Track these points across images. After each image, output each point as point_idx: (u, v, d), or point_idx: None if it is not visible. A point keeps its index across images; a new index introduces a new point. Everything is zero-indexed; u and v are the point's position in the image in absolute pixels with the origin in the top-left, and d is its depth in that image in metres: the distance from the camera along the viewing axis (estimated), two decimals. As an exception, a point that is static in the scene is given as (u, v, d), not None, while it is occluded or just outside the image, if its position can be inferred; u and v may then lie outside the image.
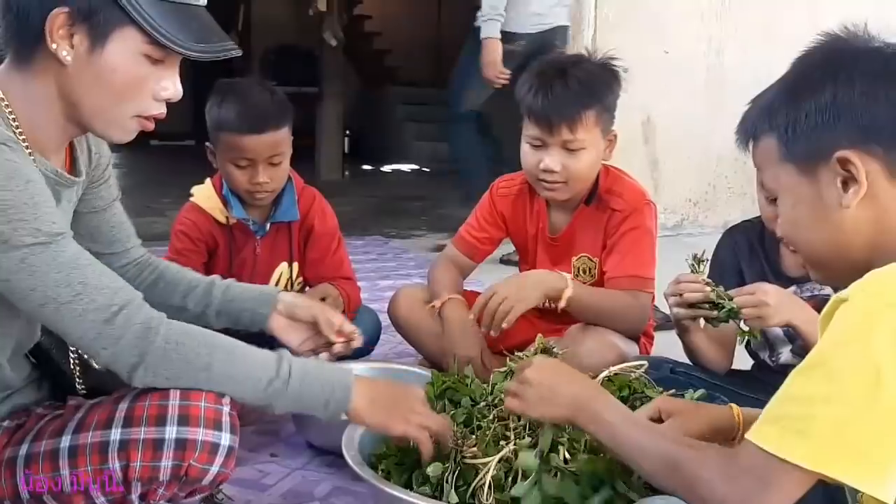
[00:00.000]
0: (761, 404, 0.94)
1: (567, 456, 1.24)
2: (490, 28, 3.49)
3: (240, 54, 1.23)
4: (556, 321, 2.06)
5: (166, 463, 1.10)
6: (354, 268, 2.32)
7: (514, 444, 1.27)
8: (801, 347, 1.64)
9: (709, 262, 1.70)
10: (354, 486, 1.64)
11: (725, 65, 4.75)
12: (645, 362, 1.56)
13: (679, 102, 4.65)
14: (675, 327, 1.74)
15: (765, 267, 1.78)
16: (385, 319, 2.27)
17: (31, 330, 1.28)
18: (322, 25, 6.81)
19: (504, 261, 3.43)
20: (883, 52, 0.95)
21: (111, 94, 1.16)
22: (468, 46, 3.77)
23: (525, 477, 1.22)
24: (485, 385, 1.54)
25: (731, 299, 1.55)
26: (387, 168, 8.74)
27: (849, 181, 0.93)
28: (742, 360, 1.89)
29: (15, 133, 1.13)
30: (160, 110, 1.21)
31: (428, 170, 8.34)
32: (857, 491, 0.84)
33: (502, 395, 1.37)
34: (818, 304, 1.41)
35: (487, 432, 1.33)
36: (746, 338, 1.66)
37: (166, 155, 8.85)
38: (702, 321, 1.61)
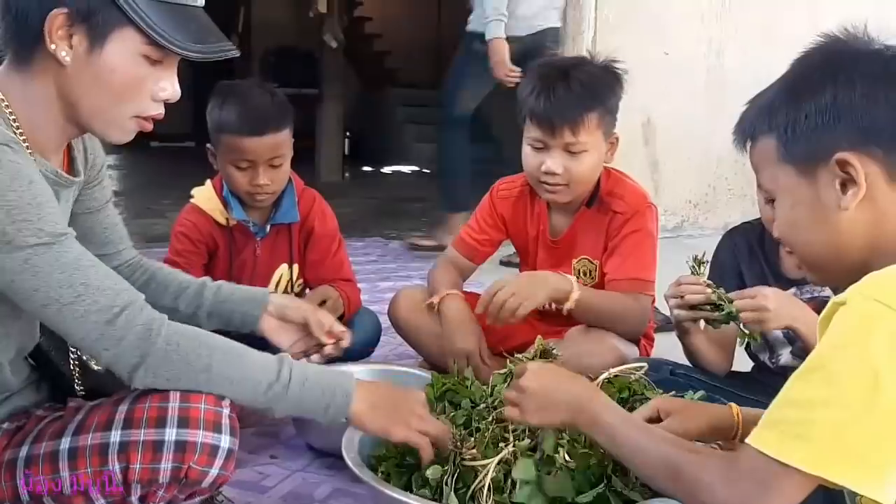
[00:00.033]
0: (761, 406, 0.94)
1: (567, 458, 1.24)
2: (495, 28, 3.52)
3: (238, 55, 1.24)
4: (556, 323, 2.06)
5: (166, 465, 1.10)
6: (354, 269, 2.32)
7: (514, 446, 1.27)
8: (801, 349, 1.64)
9: (709, 263, 1.70)
10: (354, 489, 1.64)
11: (725, 66, 4.75)
12: (645, 364, 1.56)
13: (679, 104, 4.65)
14: (675, 329, 1.74)
15: (764, 269, 1.78)
16: (385, 321, 2.27)
17: (31, 331, 1.28)
18: (322, 27, 6.82)
19: (504, 263, 3.43)
20: (883, 55, 0.95)
21: (110, 95, 1.16)
22: (461, 49, 3.82)
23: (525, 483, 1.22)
24: (484, 387, 1.54)
25: (731, 302, 1.55)
26: (387, 170, 8.74)
27: (848, 183, 0.93)
28: (742, 362, 1.89)
29: (15, 134, 1.14)
30: (158, 111, 1.22)
31: (428, 171, 8.33)
32: (856, 494, 0.84)
33: (502, 398, 1.37)
34: (818, 305, 1.41)
35: (487, 434, 1.33)
36: (746, 340, 1.66)
37: (167, 156, 8.86)
38: (702, 323, 1.61)
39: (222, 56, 1.20)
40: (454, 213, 3.96)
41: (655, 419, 1.32)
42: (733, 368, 1.85)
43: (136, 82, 1.17)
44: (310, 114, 6.94)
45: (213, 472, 1.13)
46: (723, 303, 1.56)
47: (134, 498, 1.13)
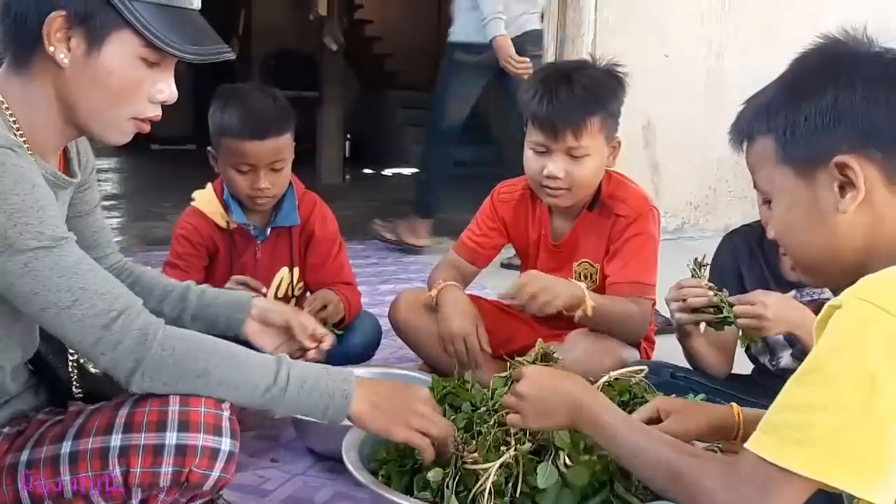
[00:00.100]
0: (761, 408, 0.94)
1: (567, 461, 1.24)
2: (495, 27, 3.58)
3: (233, 57, 1.25)
4: (557, 326, 2.06)
5: (167, 469, 1.10)
6: (355, 272, 2.32)
7: (515, 450, 1.27)
8: (801, 352, 1.64)
9: (709, 266, 1.70)
10: (355, 492, 1.64)
11: (725, 68, 4.75)
12: (645, 367, 1.56)
13: (679, 106, 4.65)
14: (676, 332, 1.74)
15: (764, 271, 1.78)
16: (385, 324, 2.27)
17: (31, 335, 1.28)
18: (322, 30, 6.82)
19: (505, 265, 3.43)
20: (883, 57, 0.95)
21: (108, 97, 1.17)
22: (445, 60, 3.90)
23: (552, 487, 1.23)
24: (485, 390, 1.54)
25: (732, 306, 1.55)
26: (387, 172, 8.73)
27: (846, 186, 0.93)
28: (742, 365, 1.88)
29: (16, 136, 1.14)
30: (156, 112, 1.23)
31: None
32: (853, 496, 0.84)
33: (502, 401, 1.37)
34: (818, 308, 1.41)
35: (488, 438, 1.33)
36: (747, 342, 1.66)
37: (167, 159, 8.87)
38: (703, 325, 1.61)
39: (219, 58, 1.21)
40: (423, 219, 4.10)
41: (655, 420, 1.32)
42: (733, 371, 1.85)
43: (134, 84, 1.18)
44: (310, 117, 6.94)
45: (214, 475, 1.13)
46: (724, 306, 1.56)
47: (135, 501, 1.13)
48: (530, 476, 1.25)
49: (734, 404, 1.32)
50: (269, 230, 2.13)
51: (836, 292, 0.90)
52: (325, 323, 2.05)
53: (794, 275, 1.72)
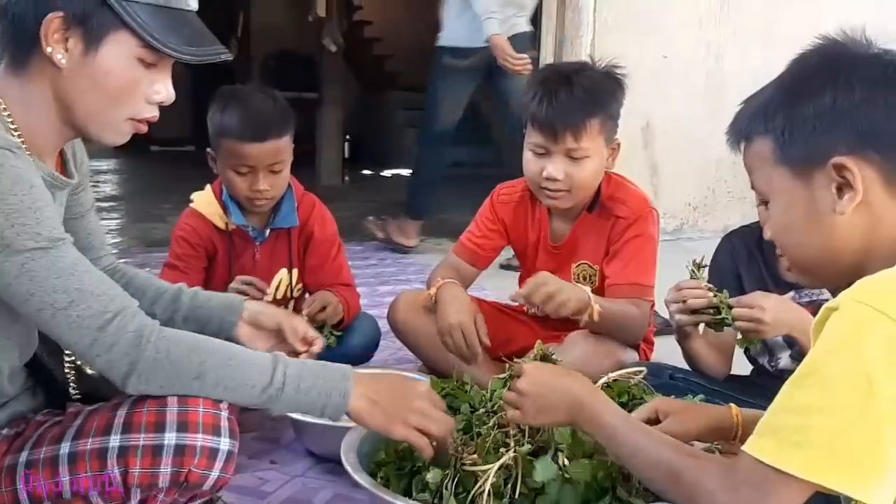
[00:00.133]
0: (760, 409, 0.94)
1: (566, 462, 1.24)
2: (489, 27, 3.63)
3: (231, 58, 1.25)
4: (555, 328, 2.06)
5: (165, 469, 1.10)
6: (354, 273, 2.32)
7: (514, 451, 1.27)
8: (800, 353, 1.64)
9: (708, 267, 1.70)
10: (354, 494, 1.64)
11: (725, 69, 4.75)
12: (644, 368, 1.56)
13: (678, 107, 4.65)
14: (675, 333, 1.74)
15: (763, 272, 1.78)
16: (384, 325, 2.27)
17: (29, 336, 1.28)
18: (322, 31, 6.81)
19: (504, 266, 3.43)
20: (882, 59, 0.95)
21: (105, 97, 1.18)
22: (434, 65, 3.97)
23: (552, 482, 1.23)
24: (484, 391, 1.54)
25: (731, 308, 1.55)
26: (387, 173, 8.73)
27: (844, 187, 0.93)
28: (741, 366, 1.88)
29: (14, 137, 1.15)
30: (153, 113, 1.23)
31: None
32: (850, 498, 0.84)
33: (501, 402, 1.37)
34: (816, 309, 1.41)
35: (487, 439, 1.33)
36: (746, 344, 1.66)
37: (167, 161, 8.86)
38: (702, 326, 1.61)
39: (216, 59, 1.21)
40: (413, 220, 4.18)
41: (654, 420, 1.32)
42: (732, 372, 1.85)
43: (131, 85, 1.18)
44: (310, 118, 6.94)
45: (214, 474, 1.13)
46: (723, 307, 1.56)
47: (134, 502, 1.13)
48: (529, 477, 1.25)
49: (733, 405, 1.32)
50: (267, 231, 2.13)
51: (834, 293, 0.90)
52: (323, 324, 2.06)
53: (791, 276, 1.72)
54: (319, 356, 1.54)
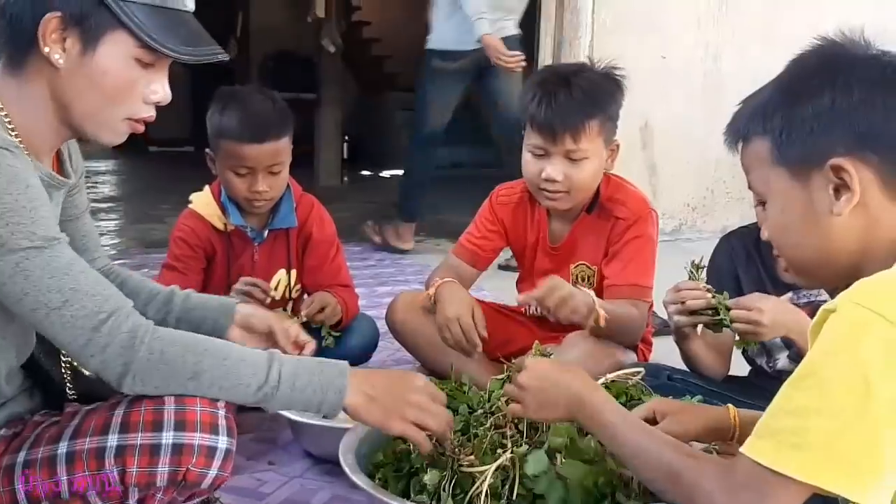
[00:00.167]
0: (758, 410, 0.94)
1: (562, 461, 1.24)
2: (480, 27, 3.68)
3: (227, 58, 1.26)
4: (554, 329, 2.05)
5: (163, 468, 1.11)
6: (353, 274, 2.32)
7: (511, 452, 1.27)
8: (798, 354, 1.64)
9: (706, 268, 1.70)
10: (352, 495, 1.63)
11: (723, 70, 4.75)
12: (642, 369, 1.56)
13: (677, 108, 4.66)
14: (673, 334, 1.74)
15: (761, 273, 1.78)
16: (383, 326, 2.27)
17: (26, 336, 1.28)
18: (320, 32, 6.81)
19: (503, 267, 3.43)
20: (880, 60, 0.95)
21: (102, 97, 1.18)
22: (423, 67, 4.01)
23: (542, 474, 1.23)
24: (482, 392, 1.54)
25: (729, 310, 1.56)
26: (386, 174, 8.73)
27: (841, 189, 0.93)
28: (739, 366, 1.89)
29: (12, 137, 1.15)
30: (150, 113, 1.24)
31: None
32: (848, 500, 0.84)
33: (499, 403, 1.37)
34: (814, 310, 1.41)
35: (484, 440, 1.33)
36: (744, 345, 1.66)
37: (165, 161, 8.86)
38: (700, 327, 1.61)
39: (212, 59, 1.22)
40: (407, 223, 4.23)
41: (651, 421, 1.32)
42: (730, 372, 1.85)
43: (128, 85, 1.19)
44: (308, 118, 6.93)
45: (212, 473, 1.13)
46: (721, 308, 1.56)
47: (132, 501, 1.13)
48: (527, 479, 1.25)
49: (730, 406, 1.32)
50: (266, 232, 2.13)
51: (832, 294, 0.90)
52: (322, 325, 2.06)
53: (789, 276, 1.72)
54: (317, 356, 1.54)
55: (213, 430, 1.13)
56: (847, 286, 0.88)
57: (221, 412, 1.15)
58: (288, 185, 2.12)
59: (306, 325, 2.00)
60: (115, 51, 1.16)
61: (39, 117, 1.19)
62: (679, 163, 4.74)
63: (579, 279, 2.10)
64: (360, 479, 1.31)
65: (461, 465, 1.28)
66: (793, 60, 1.01)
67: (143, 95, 1.21)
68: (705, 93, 4.71)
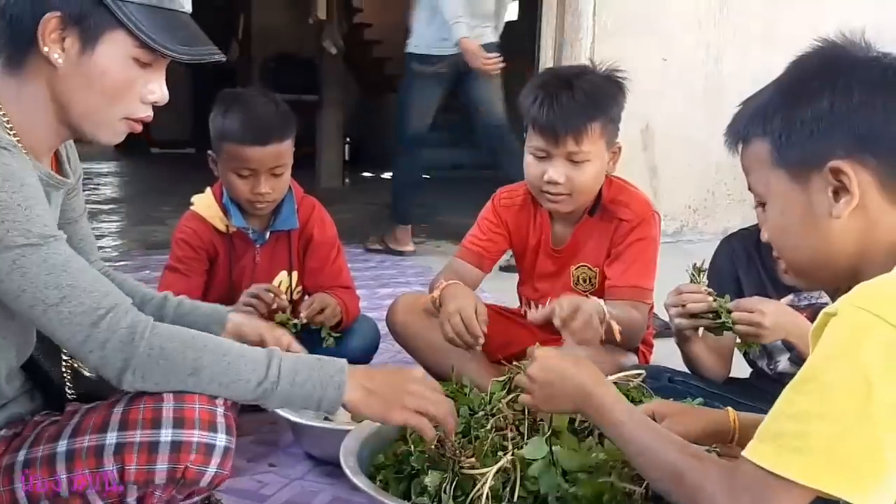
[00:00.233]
0: (759, 412, 0.94)
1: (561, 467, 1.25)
2: (457, 30, 3.75)
3: (223, 59, 1.26)
4: (553, 331, 2.05)
5: (162, 466, 1.11)
6: (354, 276, 2.32)
7: (512, 454, 1.27)
8: (799, 356, 1.64)
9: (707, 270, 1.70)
10: (353, 497, 1.64)
11: (724, 72, 4.75)
12: (643, 371, 1.56)
13: (678, 109, 4.66)
14: (674, 336, 1.74)
15: (762, 275, 1.78)
16: (384, 328, 2.27)
17: (26, 336, 1.28)
18: (322, 34, 6.83)
19: (504, 268, 3.43)
20: (881, 62, 0.95)
21: (101, 96, 1.19)
22: (405, 69, 4.09)
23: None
24: (483, 395, 1.54)
25: (730, 313, 1.56)
26: (387, 175, 8.73)
27: (840, 191, 0.93)
28: (740, 369, 1.88)
29: (10, 136, 1.16)
30: (147, 113, 1.25)
31: (428, 177, 8.34)
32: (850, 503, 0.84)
33: (500, 405, 1.37)
34: (815, 313, 1.42)
35: (485, 442, 1.33)
36: (745, 348, 1.66)
37: (167, 163, 8.88)
38: (701, 330, 1.61)
39: (210, 59, 1.22)
40: (401, 225, 4.30)
41: (651, 422, 1.32)
42: (731, 375, 1.85)
43: (126, 84, 1.20)
44: (310, 120, 6.94)
45: (210, 470, 1.13)
46: (722, 312, 1.56)
47: (131, 499, 1.13)
48: (528, 481, 1.25)
49: (730, 408, 1.32)
50: (268, 234, 2.14)
51: (833, 296, 0.90)
52: (321, 326, 2.06)
53: (789, 278, 1.72)
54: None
55: (212, 427, 1.13)
56: (847, 288, 0.88)
57: (220, 410, 1.16)
58: (290, 187, 2.12)
59: (306, 326, 2.01)
60: (114, 50, 1.17)
61: (38, 117, 1.20)
62: (680, 165, 4.74)
63: (581, 280, 2.10)
64: (360, 481, 1.31)
65: (462, 467, 1.28)
66: (793, 62, 1.01)
67: (140, 95, 1.22)
68: (706, 94, 4.71)
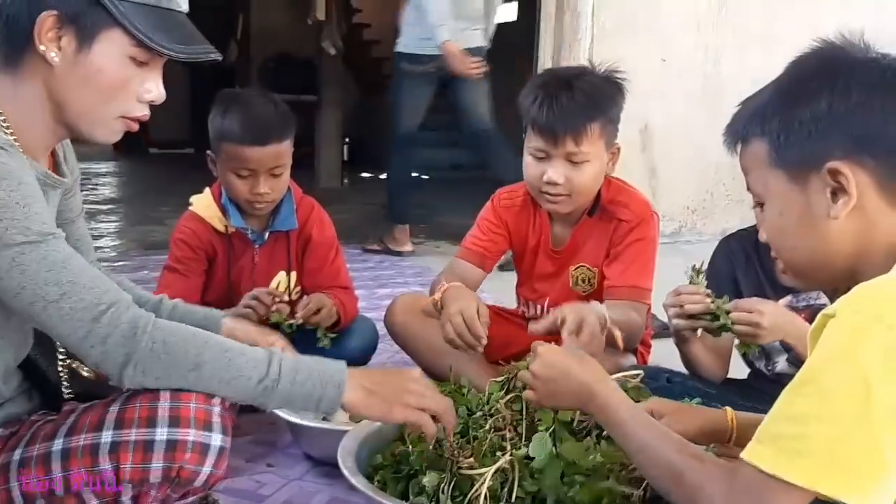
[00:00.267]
0: (757, 412, 0.94)
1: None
2: (441, 34, 3.77)
3: (220, 58, 1.26)
4: (551, 332, 2.05)
5: (157, 465, 1.10)
6: (352, 276, 2.32)
7: (511, 455, 1.27)
8: (797, 357, 1.64)
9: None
10: (351, 497, 1.63)
11: (723, 73, 4.76)
12: (641, 371, 1.56)
13: (677, 110, 4.66)
14: (673, 337, 1.74)
15: (760, 275, 1.78)
16: (382, 328, 2.27)
17: (23, 334, 1.28)
18: (321, 34, 6.83)
19: (501, 267, 3.43)
20: (880, 63, 0.95)
21: (97, 95, 1.19)
22: (395, 70, 4.12)
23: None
24: (481, 395, 1.54)
25: (728, 313, 1.56)
26: (385, 175, 8.75)
27: (838, 192, 0.93)
28: (738, 369, 1.88)
29: (7, 135, 1.16)
30: (144, 112, 1.25)
31: (427, 177, 8.34)
32: None
33: (498, 406, 1.37)
34: (814, 314, 1.42)
35: (484, 442, 1.33)
36: (744, 349, 1.66)
37: (165, 163, 8.87)
38: (699, 331, 1.62)
39: (206, 58, 1.23)
40: (399, 226, 4.32)
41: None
42: (730, 375, 1.85)
43: (123, 83, 1.20)
44: (309, 120, 6.94)
45: (205, 470, 1.13)
46: (721, 313, 1.56)
47: (126, 498, 1.13)
48: (526, 481, 1.25)
49: (728, 408, 1.32)
50: (266, 234, 2.14)
51: (831, 297, 0.90)
52: (318, 326, 2.06)
53: (787, 279, 1.72)
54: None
55: (208, 427, 1.13)
56: (846, 289, 0.88)
57: (216, 409, 1.15)
58: (288, 188, 2.12)
59: (302, 327, 2.00)
60: (110, 49, 1.17)
61: (35, 116, 1.20)
62: (679, 165, 4.75)
63: (579, 281, 2.10)
64: (358, 482, 1.31)
65: (460, 468, 1.28)
66: (792, 63, 1.01)
67: (137, 94, 1.22)
68: (705, 95, 4.71)
